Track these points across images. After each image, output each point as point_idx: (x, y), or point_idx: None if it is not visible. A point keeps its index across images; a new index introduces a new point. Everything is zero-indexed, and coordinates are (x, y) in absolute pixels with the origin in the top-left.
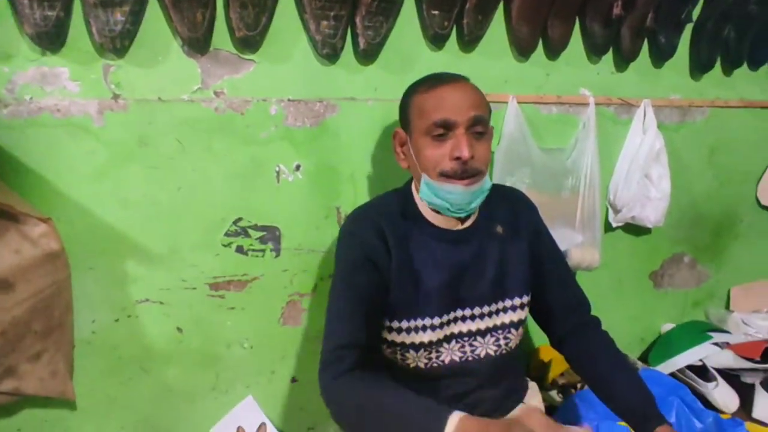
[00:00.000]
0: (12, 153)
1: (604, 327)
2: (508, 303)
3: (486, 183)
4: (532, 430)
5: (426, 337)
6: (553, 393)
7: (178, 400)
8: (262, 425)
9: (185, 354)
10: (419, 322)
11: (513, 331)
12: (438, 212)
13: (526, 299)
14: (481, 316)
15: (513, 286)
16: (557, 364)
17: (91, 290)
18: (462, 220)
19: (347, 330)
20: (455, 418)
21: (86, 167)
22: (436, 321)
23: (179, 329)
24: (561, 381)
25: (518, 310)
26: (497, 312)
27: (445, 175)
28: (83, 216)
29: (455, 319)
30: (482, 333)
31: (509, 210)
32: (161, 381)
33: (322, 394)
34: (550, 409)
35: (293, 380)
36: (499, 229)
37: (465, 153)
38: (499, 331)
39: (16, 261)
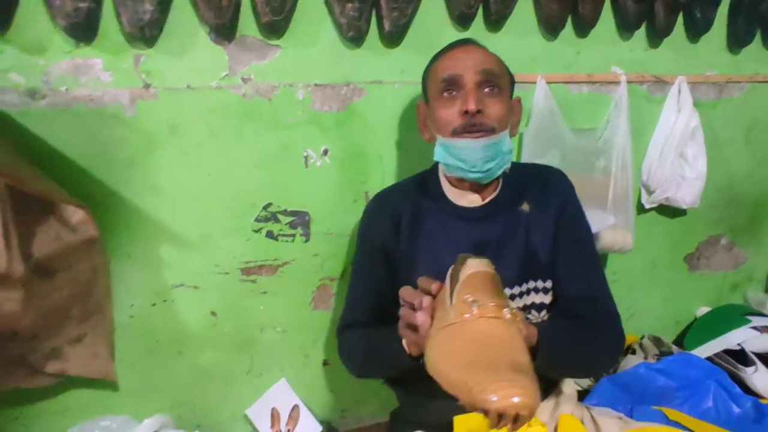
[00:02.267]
0: (49, 143)
1: (634, 311)
2: (532, 285)
3: (503, 143)
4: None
5: None
6: None
7: (214, 383)
8: (295, 407)
9: (220, 338)
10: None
11: (535, 313)
12: (458, 186)
13: (550, 283)
14: None
15: (538, 268)
16: None
17: (129, 276)
18: (482, 196)
19: (355, 311)
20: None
21: (120, 155)
22: None
23: (213, 313)
24: None
25: (540, 293)
26: (521, 294)
27: (456, 133)
28: (118, 203)
29: None
30: None
31: (539, 187)
32: (197, 364)
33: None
34: (582, 393)
35: (325, 364)
36: (525, 206)
37: (471, 106)
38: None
39: (56, 247)
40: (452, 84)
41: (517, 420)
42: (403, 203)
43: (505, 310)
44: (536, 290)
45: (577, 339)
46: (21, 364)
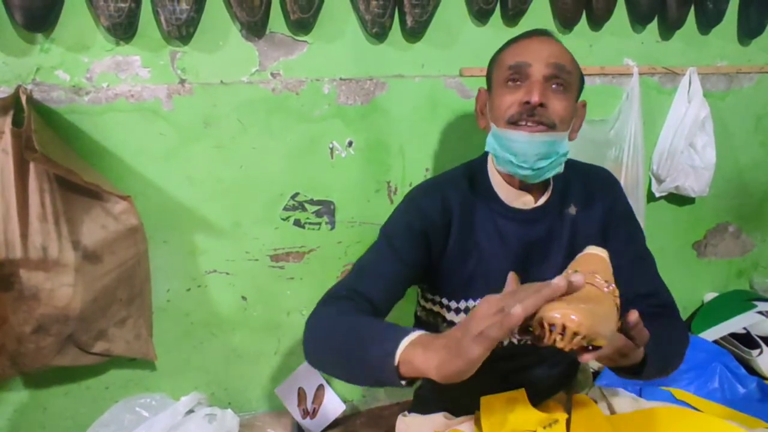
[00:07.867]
0: (93, 137)
1: None
2: None
3: (560, 144)
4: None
5: None
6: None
7: (245, 363)
8: (320, 387)
9: (250, 320)
10: (478, 303)
11: None
12: (509, 183)
13: None
14: None
15: None
16: None
17: (166, 262)
18: (535, 197)
19: (368, 283)
20: (409, 338)
21: (158, 148)
22: None
23: (244, 298)
24: None
25: None
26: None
27: (512, 122)
28: (156, 193)
29: None
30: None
31: (584, 188)
32: (229, 345)
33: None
34: (593, 375)
35: None
36: (572, 209)
37: (535, 97)
38: None
39: (102, 235)
40: (518, 72)
41: (565, 332)
42: (454, 197)
43: (606, 284)
44: None
45: (667, 338)
46: (71, 344)
